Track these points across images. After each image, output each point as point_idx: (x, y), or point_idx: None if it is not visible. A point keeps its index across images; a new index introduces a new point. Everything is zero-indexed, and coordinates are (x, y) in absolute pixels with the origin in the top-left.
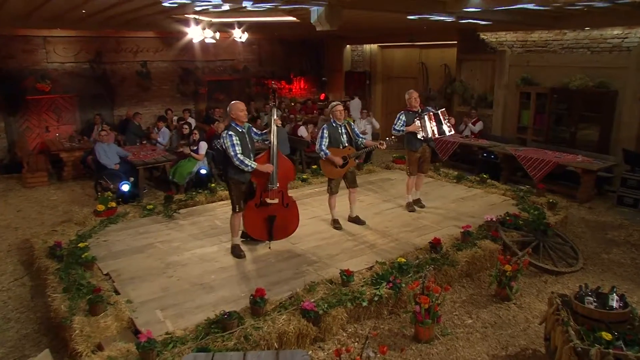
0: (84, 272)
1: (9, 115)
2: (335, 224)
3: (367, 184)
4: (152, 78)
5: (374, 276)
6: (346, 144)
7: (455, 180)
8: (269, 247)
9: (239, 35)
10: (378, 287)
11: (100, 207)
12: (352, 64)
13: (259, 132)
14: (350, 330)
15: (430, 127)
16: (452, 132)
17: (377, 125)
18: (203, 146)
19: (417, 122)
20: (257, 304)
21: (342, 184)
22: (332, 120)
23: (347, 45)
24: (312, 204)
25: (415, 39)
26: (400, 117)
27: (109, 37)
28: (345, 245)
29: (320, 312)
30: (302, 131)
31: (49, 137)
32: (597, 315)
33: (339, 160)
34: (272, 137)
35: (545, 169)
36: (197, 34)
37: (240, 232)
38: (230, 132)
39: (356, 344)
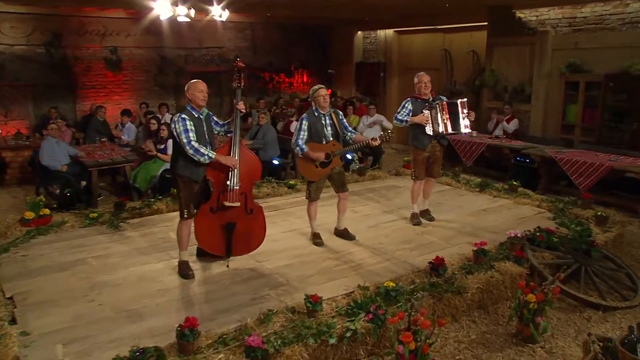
0: None
1: None
2: (316, 238)
3: (367, 192)
4: (124, 67)
5: (351, 305)
6: (331, 138)
7: (477, 189)
8: (227, 265)
9: (219, 14)
10: (353, 319)
11: (29, 215)
12: (363, 53)
13: (222, 122)
14: None
15: (442, 120)
16: (469, 130)
17: (390, 126)
18: (171, 145)
19: (426, 113)
20: (184, 337)
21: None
22: (314, 109)
23: (359, 32)
24: (295, 214)
25: (436, 23)
26: (406, 104)
27: (71, 15)
28: (324, 264)
29: (271, 350)
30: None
31: None
32: None
33: (319, 156)
34: (234, 125)
35: (595, 176)
36: (165, 9)
37: (189, 246)
38: (183, 116)
39: None
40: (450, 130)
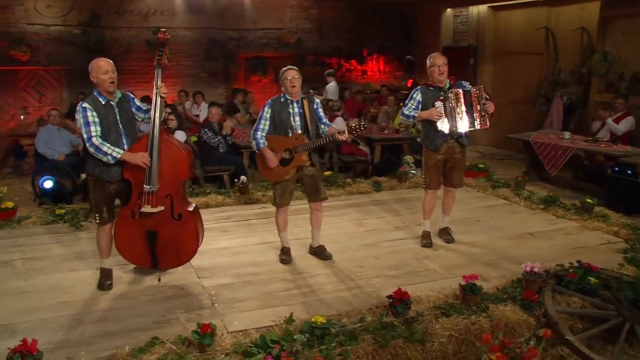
0: None
1: None
2: (283, 254)
3: (394, 202)
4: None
5: (256, 342)
6: (299, 130)
7: (541, 206)
8: (159, 279)
9: None
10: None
11: None
12: (454, 36)
13: (145, 107)
14: None
15: (458, 114)
16: (479, 126)
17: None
18: (180, 136)
19: (438, 105)
20: None
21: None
22: (281, 94)
23: (447, 10)
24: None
25: None
26: (414, 95)
27: None
28: (270, 288)
29: None
30: (339, 123)
31: (29, 120)
32: None
33: (271, 159)
34: (153, 112)
35: None
36: None
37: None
38: (84, 105)
39: None
40: (466, 127)
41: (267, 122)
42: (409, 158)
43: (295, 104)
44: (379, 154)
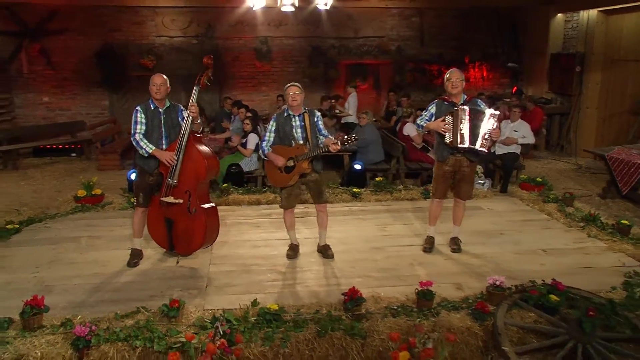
0: None
1: (112, 93)
2: (290, 250)
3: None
4: (274, 57)
5: (209, 319)
6: (301, 141)
7: (581, 223)
8: (177, 262)
9: (324, 2)
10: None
11: (81, 193)
12: (563, 42)
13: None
14: None
15: (460, 129)
16: (479, 146)
17: (530, 141)
18: (252, 139)
19: (448, 119)
20: (24, 314)
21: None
22: (285, 109)
23: (558, 14)
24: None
25: None
26: (430, 108)
27: (224, 7)
28: (263, 277)
29: (94, 342)
30: (409, 129)
31: None
32: None
33: (279, 161)
34: (184, 124)
35: None
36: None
37: (141, 237)
38: (137, 108)
39: None
40: (466, 143)
41: (272, 134)
42: (478, 168)
43: (297, 118)
44: None
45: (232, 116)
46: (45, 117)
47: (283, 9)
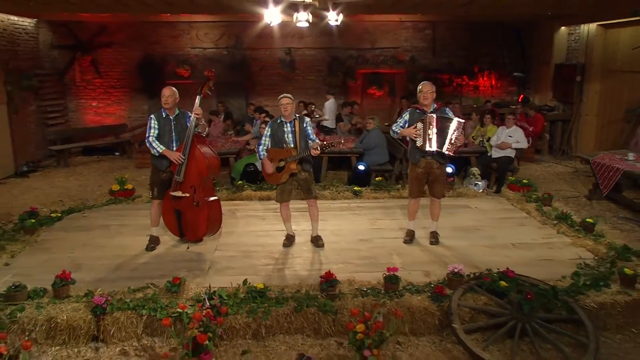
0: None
1: (151, 99)
2: (286, 239)
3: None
4: (297, 67)
5: (203, 294)
6: (291, 145)
7: (555, 221)
8: (187, 248)
9: (334, 18)
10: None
11: (115, 187)
12: (567, 53)
13: (195, 124)
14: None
15: (428, 135)
16: (446, 150)
17: (523, 146)
18: None
19: (419, 126)
20: (55, 285)
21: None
22: (279, 116)
23: (562, 28)
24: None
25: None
26: (404, 115)
27: (253, 21)
28: (258, 262)
29: (108, 310)
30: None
31: None
32: None
33: (268, 169)
34: (190, 127)
35: None
36: (275, 16)
37: (157, 226)
38: (151, 115)
39: None
40: (434, 147)
41: (268, 139)
42: (475, 170)
43: (288, 124)
44: None
45: (254, 120)
46: (94, 120)
47: (298, 24)
